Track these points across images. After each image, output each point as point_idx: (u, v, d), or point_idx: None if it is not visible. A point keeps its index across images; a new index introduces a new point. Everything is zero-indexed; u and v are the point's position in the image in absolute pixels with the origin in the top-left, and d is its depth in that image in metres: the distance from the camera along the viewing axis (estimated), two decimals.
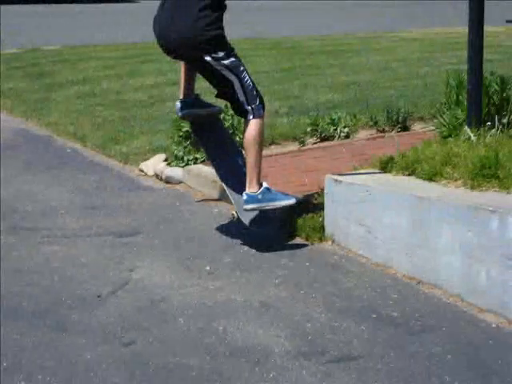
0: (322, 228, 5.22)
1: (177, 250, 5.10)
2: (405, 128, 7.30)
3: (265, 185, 5.11)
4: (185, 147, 6.65)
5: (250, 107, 5.07)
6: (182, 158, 6.58)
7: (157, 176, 6.59)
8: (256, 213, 5.19)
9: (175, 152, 6.65)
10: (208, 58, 4.96)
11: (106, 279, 4.66)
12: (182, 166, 6.52)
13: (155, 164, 6.70)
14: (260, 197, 5.06)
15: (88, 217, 5.68)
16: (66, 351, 3.85)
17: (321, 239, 5.19)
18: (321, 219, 5.25)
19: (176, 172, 6.49)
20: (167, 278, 4.67)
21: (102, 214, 5.74)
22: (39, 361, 3.77)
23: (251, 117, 5.08)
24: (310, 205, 5.43)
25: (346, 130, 7.12)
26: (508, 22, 16.69)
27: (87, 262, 4.90)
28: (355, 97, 8.44)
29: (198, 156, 6.56)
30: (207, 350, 3.87)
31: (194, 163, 6.53)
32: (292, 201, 5.18)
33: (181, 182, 6.43)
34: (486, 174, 4.57)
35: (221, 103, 6.05)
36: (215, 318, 4.19)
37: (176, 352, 3.85)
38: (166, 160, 6.73)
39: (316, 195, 5.51)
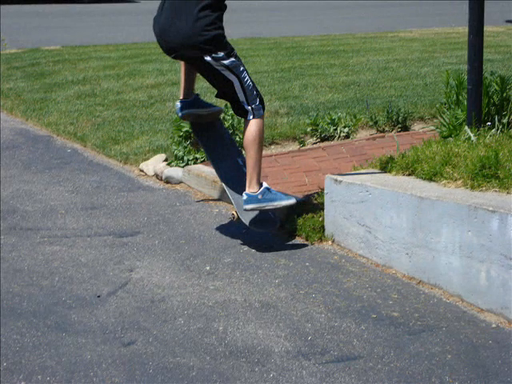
0: (322, 228, 5.22)
1: (177, 250, 5.10)
2: (405, 128, 7.30)
3: (265, 185, 5.11)
4: (185, 147, 6.64)
5: (250, 107, 5.07)
6: (182, 158, 6.58)
7: (157, 176, 6.59)
8: (256, 213, 5.19)
9: (175, 152, 6.64)
10: (208, 58, 4.96)
11: (105, 279, 4.66)
12: (182, 166, 6.52)
13: (155, 164, 6.69)
14: (260, 197, 5.06)
15: (88, 217, 5.68)
16: (66, 351, 3.86)
17: (321, 239, 5.19)
18: (321, 219, 5.25)
19: (176, 172, 6.48)
20: (167, 278, 4.67)
21: (102, 214, 5.73)
22: (39, 361, 3.77)
23: (251, 117, 5.08)
24: (310, 205, 5.43)
25: (346, 130, 7.12)
26: (508, 21, 16.70)
27: (87, 262, 4.90)
28: (355, 97, 8.43)
29: (197, 156, 6.56)
30: (207, 350, 3.87)
31: (194, 163, 6.52)
32: (292, 201, 5.18)
33: (181, 182, 6.43)
34: (486, 174, 4.57)
35: (221, 103, 6.06)
36: (215, 317, 4.19)
37: (176, 352, 3.85)
38: (166, 160, 6.72)
39: (316, 195, 5.51)
